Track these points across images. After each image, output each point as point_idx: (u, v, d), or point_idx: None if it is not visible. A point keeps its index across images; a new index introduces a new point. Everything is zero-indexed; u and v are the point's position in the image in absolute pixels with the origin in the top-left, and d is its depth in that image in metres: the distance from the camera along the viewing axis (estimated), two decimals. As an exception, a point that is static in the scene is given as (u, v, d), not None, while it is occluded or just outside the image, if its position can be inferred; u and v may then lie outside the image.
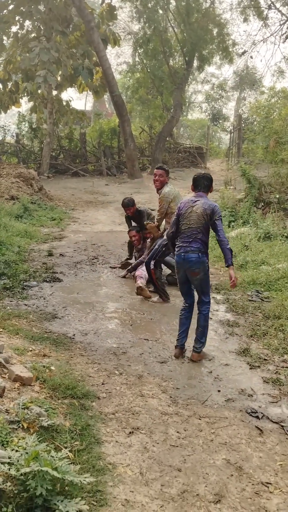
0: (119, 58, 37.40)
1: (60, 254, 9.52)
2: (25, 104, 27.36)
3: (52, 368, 4.47)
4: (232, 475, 3.25)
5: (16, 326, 5.50)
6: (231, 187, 16.93)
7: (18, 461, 2.76)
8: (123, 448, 3.46)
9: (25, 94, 24.57)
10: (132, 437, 3.62)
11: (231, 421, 3.95)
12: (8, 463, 2.76)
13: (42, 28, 23.17)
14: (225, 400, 4.29)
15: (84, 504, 2.68)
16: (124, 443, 3.53)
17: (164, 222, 7.39)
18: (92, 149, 27.98)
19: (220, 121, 37.96)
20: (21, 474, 2.63)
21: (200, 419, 3.94)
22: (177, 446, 3.54)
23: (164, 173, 7.32)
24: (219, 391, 4.45)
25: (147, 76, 27.45)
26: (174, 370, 4.84)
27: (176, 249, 5.28)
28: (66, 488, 2.76)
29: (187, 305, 5.42)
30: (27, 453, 2.80)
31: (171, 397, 4.28)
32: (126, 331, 5.86)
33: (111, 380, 4.49)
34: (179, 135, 35.90)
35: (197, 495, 3.02)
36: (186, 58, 26.07)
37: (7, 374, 4.09)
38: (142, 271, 7.53)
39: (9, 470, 2.66)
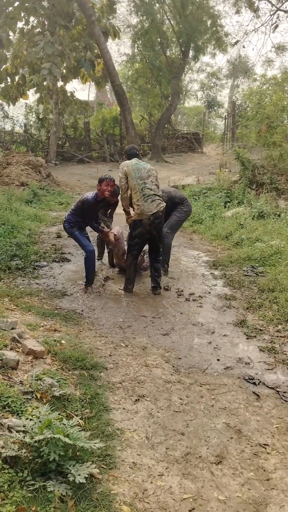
0: (120, 48, 36.84)
1: (68, 236, 9.44)
2: (32, 96, 27.01)
3: (63, 341, 4.45)
4: (232, 437, 3.23)
5: (28, 304, 5.47)
6: (226, 169, 16.76)
7: (32, 429, 2.74)
8: (130, 415, 3.45)
9: (32, 86, 24.26)
10: (138, 404, 3.60)
11: (230, 388, 3.92)
12: (23, 431, 2.75)
13: (46, 23, 22.79)
14: (224, 368, 4.26)
15: (95, 467, 2.67)
16: (131, 410, 3.52)
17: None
18: (95, 137, 27.72)
19: (215, 108, 37.39)
20: (35, 442, 2.61)
21: (201, 386, 3.92)
22: (180, 412, 3.53)
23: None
24: (218, 360, 4.43)
25: (146, 66, 27.02)
26: (176, 341, 4.81)
27: None
28: (77, 453, 2.74)
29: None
30: (40, 421, 2.79)
31: (173, 366, 4.26)
32: (131, 306, 5.82)
33: (117, 352, 4.47)
34: (177, 122, 35.52)
35: (199, 457, 3.01)
36: (182, 49, 25.61)
37: (21, 348, 4.07)
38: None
39: (24, 438, 2.65)
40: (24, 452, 2.64)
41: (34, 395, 3.35)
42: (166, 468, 2.87)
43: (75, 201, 6.82)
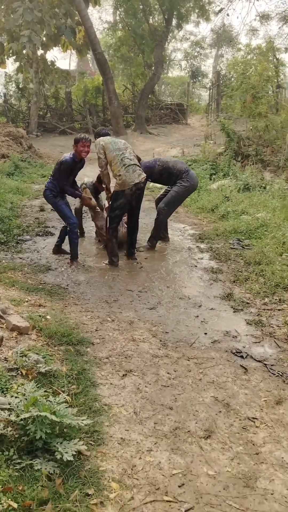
0: (101, 16, 35.83)
1: (51, 209, 9.25)
2: (11, 65, 26.28)
3: (48, 317, 4.38)
4: (220, 411, 3.22)
5: (11, 279, 5.37)
6: (211, 141, 16.59)
7: (17, 407, 2.68)
8: (117, 390, 3.41)
9: (11, 55, 23.54)
10: (125, 379, 3.56)
11: (217, 361, 3.90)
12: (8, 409, 2.69)
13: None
14: (212, 342, 4.23)
15: (82, 444, 2.63)
16: (118, 385, 3.48)
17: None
18: (77, 107, 27.14)
19: (199, 78, 36.78)
20: (21, 420, 2.56)
21: (188, 360, 3.89)
22: (168, 386, 3.50)
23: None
24: (205, 333, 4.39)
25: (128, 34, 26.33)
26: (163, 315, 4.76)
27: None
28: (64, 430, 2.70)
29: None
30: (26, 399, 2.73)
31: (161, 340, 4.22)
32: (117, 280, 5.75)
33: (104, 327, 4.41)
34: (160, 92, 34.91)
35: (188, 431, 2.99)
36: (166, 16, 24.95)
37: (5, 324, 3.99)
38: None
39: (9, 416, 2.59)
40: (10, 431, 2.59)
41: (19, 372, 3.29)
42: (155, 444, 2.85)
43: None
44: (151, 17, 26.50)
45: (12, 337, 3.82)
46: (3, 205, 8.69)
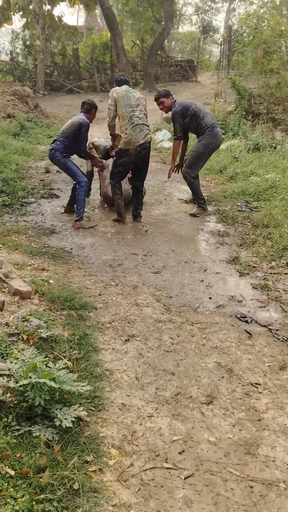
0: None
1: (57, 171, 9.12)
2: (18, 22, 25.52)
3: (51, 281, 4.33)
4: (223, 377, 3.18)
5: (15, 242, 5.31)
6: (222, 99, 16.14)
7: (17, 373, 2.66)
8: (119, 355, 3.38)
9: (17, 11, 22.87)
10: (128, 344, 3.53)
11: (221, 326, 3.85)
12: (8, 375, 2.67)
13: None
14: (216, 307, 4.17)
15: (82, 410, 2.61)
16: (121, 350, 3.45)
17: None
18: (85, 65, 26.47)
19: (211, 34, 35.52)
20: (20, 386, 2.53)
21: (192, 325, 3.85)
22: (170, 352, 3.46)
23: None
24: (210, 298, 4.32)
25: (137, -13, 25.42)
26: (167, 280, 4.70)
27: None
28: (64, 396, 2.68)
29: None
30: (25, 365, 2.70)
31: (164, 305, 4.16)
32: (122, 244, 5.68)
33: (107, 291, 4.36)
34: (170, 48, 33.92)
35: (190, 397, 2.96)
36: None
37: (7, 288, 3.95)
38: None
39: (8, 382, 2.57)
40: (9, 397, 2.57)
41: (20, 337, 3.26)
42: (156, 409, 2.83)
43: (62, 128, 6.51)
44: None
45: (14, 301, 3.78)
46: (8, 167, 8.56)
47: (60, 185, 8.13)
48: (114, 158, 6.37)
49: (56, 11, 29.70)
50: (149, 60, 24.00)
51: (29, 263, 4.74)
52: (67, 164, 6.27)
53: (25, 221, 6.26)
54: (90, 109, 6.33)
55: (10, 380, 2.60)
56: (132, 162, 6.15)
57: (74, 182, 6.42)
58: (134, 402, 2.87)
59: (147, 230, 6.15)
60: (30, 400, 2.49)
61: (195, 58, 28.60)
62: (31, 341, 3.26)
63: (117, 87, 6.22)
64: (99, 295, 4.28)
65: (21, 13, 22.90)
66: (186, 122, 6.76)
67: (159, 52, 25.90)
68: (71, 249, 5.41)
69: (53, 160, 6.39)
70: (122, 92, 6.10)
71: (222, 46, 25.87)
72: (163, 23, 25.23)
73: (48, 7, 23.35)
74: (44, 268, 4.69)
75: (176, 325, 3.84)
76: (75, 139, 6.24)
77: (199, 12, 36.34)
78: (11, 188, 7.36)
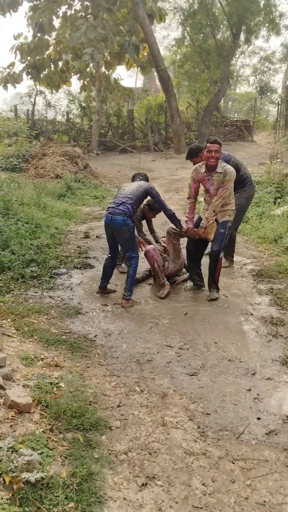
0: (168, 33, 35.57)
1: (97, 236, 8.57)
2: (76, 84, 26.48)
3: (61, 384, 3.57)
4: None
5: (32, 326, 4.61)
6: (278, 160, 15.43)
7: None
8: (131, 510, 2.51)
9: (75, 73, 23.61)
10: (144, 491, 2.66)
11: (272, 466, 2.90)
12: None
13: (89, 6, 21.93)
14: (266, 433, 3.20)
15: None
16: (134, 501, 2.58)
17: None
18: (139, 125, 26.75)
19: (268, 94, 35.48)
20: None
21: (233, 463, 2.92)
22: (201, 508, 2.56)
23: (220, 148, 5.56)
24: (259, 418, 3.37)
25: (194, 50, 25.74)
26: (205, 386, 3.80)
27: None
28: None
29: (109, 256, 5.82)
30: None
31: (199, 427, 3.26)
32: (155, 331, 4.85)
33: (129, 401, 3.53)
34: (226, 109, 34.06)
35: None
36: (233, 31, 24.09)
37: (3, 398, 3.21)
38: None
39: None
40: None
41: (1, 479, 2.48)
42: None
43: (126, 190, 5.76)
44: (218, 32, 25.78)
45: (8, 418, 3.02)
46: (46, 231, 8.06)
47: (97, 253, 7.50)
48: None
49: (115, 74, 30.65)
50: (204, 121, 23.87)
51: (42, 357, 4.01)
52: (134, 234, 5.66)
53: (50, 296, 5.60)
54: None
55: None
56: None
57: (108, 256, 5.77)
58: None
59: (186, 314, 5.31)
60: None
61: (251, 118, 28.34)
62: (15, 486, 2.46)
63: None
64: (118, 406, 3.46)
65: (78, 75, 23.57)
66: None
67: (214, 113, 25.81)
68: (95, 336, 4.65)
69: (122, 226, 5.46)
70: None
71: (280, 106, 25.51)
72: (219, 84, 25.24)
73: (104, 69, 23.96)
74: (58, 364, 3.94)
75: (212, 461, 2.93)
76: (139, 204, 5.84)
77: (257, 73, 36.56)
78: (43, 257, 6.78)
